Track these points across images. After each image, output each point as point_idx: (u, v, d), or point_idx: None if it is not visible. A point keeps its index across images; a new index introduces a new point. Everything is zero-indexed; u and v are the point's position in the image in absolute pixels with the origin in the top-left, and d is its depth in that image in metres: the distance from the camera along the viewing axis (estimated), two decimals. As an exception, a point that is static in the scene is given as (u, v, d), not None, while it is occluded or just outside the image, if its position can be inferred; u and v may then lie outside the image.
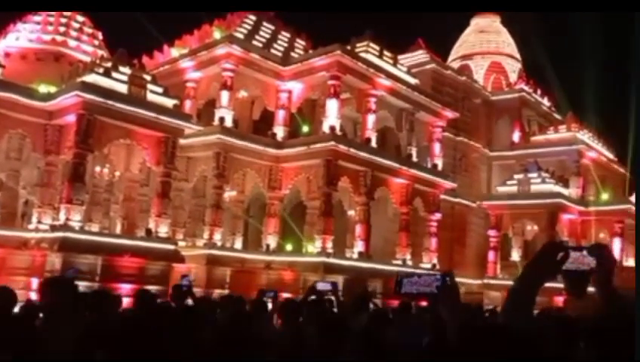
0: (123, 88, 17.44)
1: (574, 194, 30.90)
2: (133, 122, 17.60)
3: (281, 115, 22.69)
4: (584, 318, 2.54)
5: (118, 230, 19.96)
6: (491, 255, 30.13)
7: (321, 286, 3.87)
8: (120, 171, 20.25)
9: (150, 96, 18.09)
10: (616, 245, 30.15)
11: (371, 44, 23.43)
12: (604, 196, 32.28)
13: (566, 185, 30.85)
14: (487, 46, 39.99)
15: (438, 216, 25.37)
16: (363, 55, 22.66)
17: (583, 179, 31.85)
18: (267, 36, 23.82)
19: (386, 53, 24.00)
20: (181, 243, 19.84)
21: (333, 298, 4.80)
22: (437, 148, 26.21)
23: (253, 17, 24.29)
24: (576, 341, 2.56)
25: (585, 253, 1.95)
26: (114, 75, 17.47)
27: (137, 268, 16.90)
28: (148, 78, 18.55)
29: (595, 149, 34.11)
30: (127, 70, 17.91)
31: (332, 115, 21.18)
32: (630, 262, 30.88)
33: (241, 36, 22.39)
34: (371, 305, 6.13)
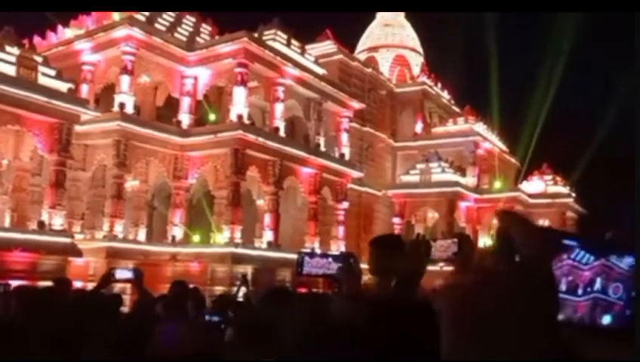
0: (11, 70, 16.24)
1: (471, 183, 32.81)
2: (22, 107, 16.42)
3: (186, 101, 22.01)
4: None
5: (7, 223, 18.55)
6: (396, 242, 31.34)
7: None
8: (8, 159, 18.77)
9: (42, 79, 16.97)
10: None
11: (279, 33, 23.30)
12: (497, 184, 34.59)
13: (463, 174, 32.68)
14: (392, 39, 41.17)
15: (345, 204, 25.89)
16: (271, 43, 22.48)
17: (478, 169, 33.89)
18: (171, 20, 22.91)
19: (293, 42, 23.98)
20: (78, 236, 18.90)
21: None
22: (344, 138, 26.68)
23: (156, -1, 23.27)
24: None
25: (454, 240, 1.99)
26: (0, 55, 16.16)
27: (29, 264, 15.88)
28: (39, 59, 17.36)
29: (490, 141, 36.37)
30: (15, 50, 16.67)
31: (239, 103, 20.86)
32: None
33: (142, 18, 21.36)
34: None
